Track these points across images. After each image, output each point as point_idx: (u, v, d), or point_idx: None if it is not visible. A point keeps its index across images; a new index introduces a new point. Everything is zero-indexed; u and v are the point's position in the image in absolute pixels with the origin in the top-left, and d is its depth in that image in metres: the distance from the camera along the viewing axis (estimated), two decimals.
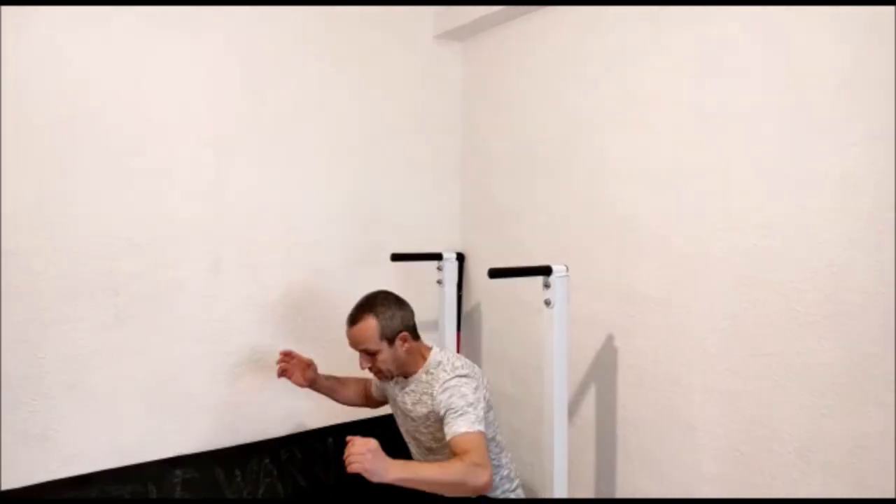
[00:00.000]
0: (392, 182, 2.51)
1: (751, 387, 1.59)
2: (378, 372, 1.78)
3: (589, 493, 2.08)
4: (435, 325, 2.40)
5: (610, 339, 1.99)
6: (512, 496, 1.84)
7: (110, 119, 1.94)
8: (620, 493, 1.98)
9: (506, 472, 1.83)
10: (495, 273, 1.71)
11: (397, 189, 2.52)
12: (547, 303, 1.72)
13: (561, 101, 2.16)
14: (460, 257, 2.49)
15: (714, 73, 1.67)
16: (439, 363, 1.75)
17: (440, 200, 2.64)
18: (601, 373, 2.03)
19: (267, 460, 2.28)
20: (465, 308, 2.58)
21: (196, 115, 2.09)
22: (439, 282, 2.32)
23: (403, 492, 1.47)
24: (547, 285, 1.71)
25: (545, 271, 1.71)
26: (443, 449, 1.68)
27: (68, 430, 1.92)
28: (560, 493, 1.72)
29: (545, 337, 1.73)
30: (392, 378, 1.82)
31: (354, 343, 1.76)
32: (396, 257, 2.15)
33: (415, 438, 1.85)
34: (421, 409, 1.75)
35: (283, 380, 2.29)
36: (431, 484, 1.47)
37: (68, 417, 1.92)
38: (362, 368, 1.79)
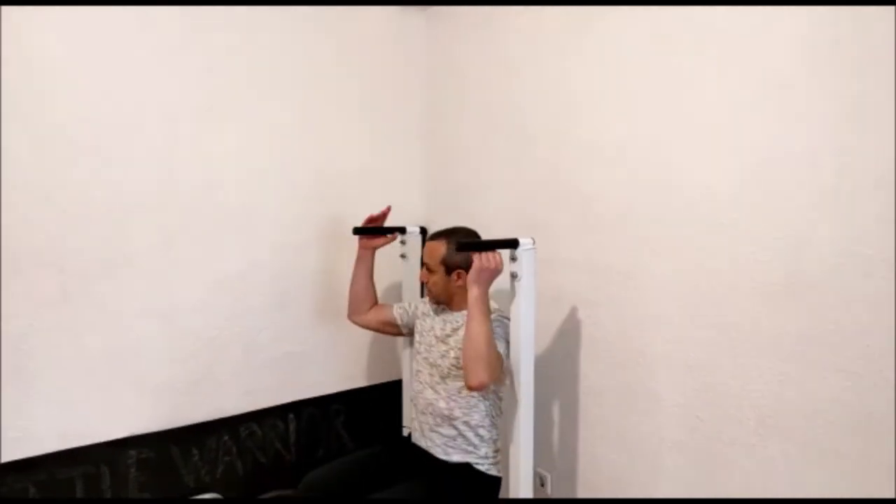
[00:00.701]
0: (353, 154, 2.44)
1: (711, 356, 1.63)
2: (428, 291, 1.97)
3: (551, 461, 2.12)
4: (398, 300, 2.36)
5: (573, 311, 2.01)
6: (493, 470, 1.88)
7: (47, 83, 1.81)
8: (582, 462, 2.02)
9: (496, 436, 1.90)
10: (462, 246, 1.69)
11: (359, 162, 2.46)
12: (513, 276, 1.71)
13: (524, 73, 2.13)
14: (423, 231, 2.46)
15: (675, 44, 1.67)
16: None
17: (403, 173, 2.59)
18: (564, 345, 2.04)
19: (226, 438, 2.23)
20: None
21: (142, 81, 1.96)
22: (403, 256, 2.29)
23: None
24: (514, 258, 1.70)
25: (512, 244, 1.69)
26: (457, 378, 1.83)
27: (12, 413, 1.82)
28: (526, 462, 1.73)
29: (512, 311, 1.73)
30: (437, 302, 1.98)
31: (423, 255, 1.97)
32: (358, 231, 2.09)
33: (434, 364, 1.92)
34: (461, 332, 1.82)
35: (241, 358, 2.24)
36: (482, 332, 1.62)
37: (12, 399, 1.82)
38: (421, 280, 1.99)
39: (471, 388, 1.65)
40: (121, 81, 1.93)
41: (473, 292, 1.66)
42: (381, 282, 2.22)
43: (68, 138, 1.85)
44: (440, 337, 1.94)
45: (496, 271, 1.68)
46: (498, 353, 1.69)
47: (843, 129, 1.35)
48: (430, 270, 1.92)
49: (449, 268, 1.88)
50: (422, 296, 2.43)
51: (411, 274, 2.29)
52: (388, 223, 2.21)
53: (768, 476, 1.52)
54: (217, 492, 2.12)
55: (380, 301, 2.21)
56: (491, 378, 1.64)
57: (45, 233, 1.84)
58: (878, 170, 1.30)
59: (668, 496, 1.76)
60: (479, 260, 1.67)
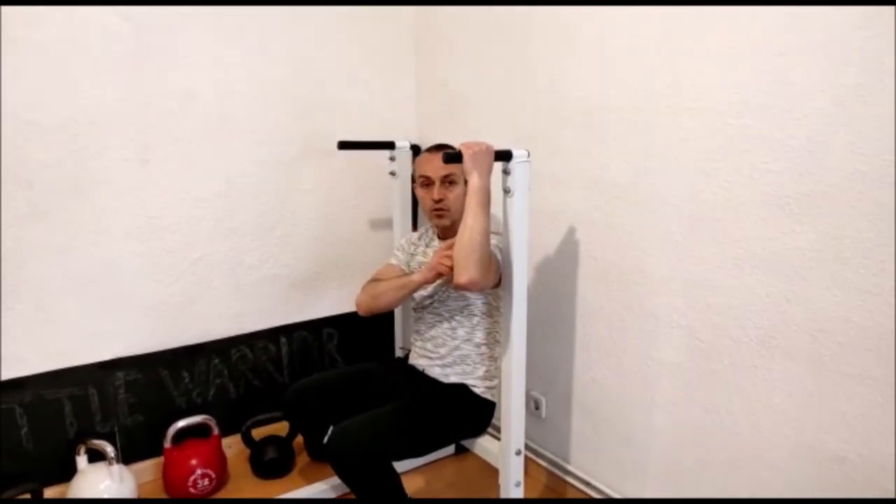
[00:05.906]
0: (339, 65, 2.28)
1: (715, 274, 1.53)
2: (442, 210, 1.81)
3: (546, 385, 2.07)
4: (388, 222, 2.27)
5: (572, 230, 1.91)
6: (488, 395, 1.88)
7: None
8: (577, 385, 1.97)
9: (494, 369, 1.87)
10: (450, 158, 1.57)
11: (344, 73, 2.30)
12: (506, 191, 1.60)
13: None
14: (415, 148, 2.33)
15: None
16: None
17: (393, 87, 2.43)
18: (562, 265, 1.96)
19: (216, 361, 2.20)
20: None
21: None
22: (392, 173, 2.17)
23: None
24: (507, 171, 1.58)
25: (505, 156, 1.57)
26: (459, 298, 1.82)
27: None
28: (518, 384, 1.68)
29: (504, 227, 1.63)
30: (449, 222, 1.83)
31: (435, 170, 1.77)
32: (344, 145, 1.98)
33: (435, 297, 1.87)
34: None
35: (229, 280, 2.18)
36: (477, 226, 1.50)
37: None
38: (435, 199, 1.79)
39: (458, 286, 1.55)
40: None
41: (474, 181, 1.51)
42: (370, 202, 2.12)
43: (24, 39, 1.71)
44: None
45: (488, 150, 1.53)
46: (492, 254, 1.59)
47: (873, 18, 1.20)
48: (452, 182, 1.77)
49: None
50: (414, 218, 2.34)
51: (401, 192, 2.19)
52: (378, 137, 2.08)
53: (769, 399, 1.46)
54: (210, 414, 2.11)
55: (372, 232, 2.11)
56: (482, 277, 1.53)
57: (10, 147, 1.74)
58: None
59: (665, 420, 1.71)
60: (467, 147, 1.51)
